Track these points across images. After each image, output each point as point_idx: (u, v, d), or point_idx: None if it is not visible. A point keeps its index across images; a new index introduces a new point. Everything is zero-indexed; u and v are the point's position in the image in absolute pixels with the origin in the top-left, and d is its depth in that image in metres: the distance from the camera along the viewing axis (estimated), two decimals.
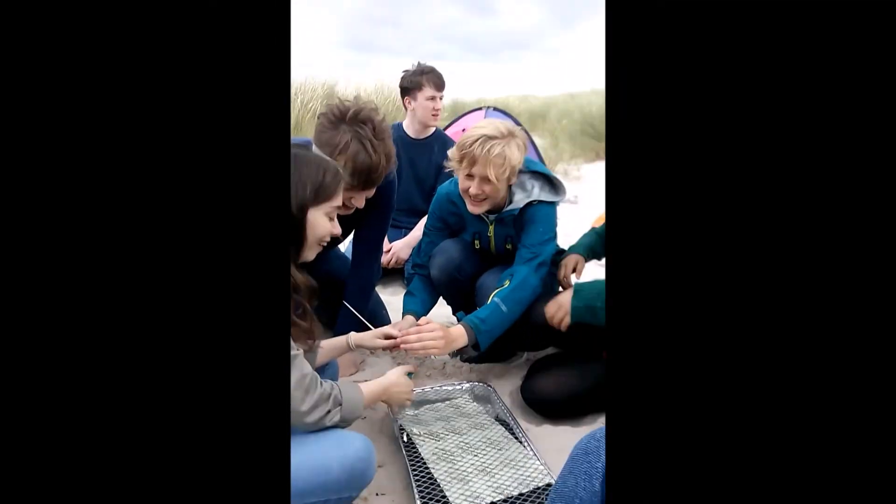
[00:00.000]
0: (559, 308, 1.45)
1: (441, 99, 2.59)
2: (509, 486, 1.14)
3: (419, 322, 1.41)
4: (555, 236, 1.62)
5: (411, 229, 2.63)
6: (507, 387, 1.63)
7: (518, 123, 3.67)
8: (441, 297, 1.81)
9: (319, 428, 1.00)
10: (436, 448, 1.28)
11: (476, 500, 1.10)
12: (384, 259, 2.43)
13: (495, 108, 3.87)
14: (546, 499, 1.08)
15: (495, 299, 1.47)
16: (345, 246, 2.22)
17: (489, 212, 1.61)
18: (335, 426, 1.03)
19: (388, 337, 1.44)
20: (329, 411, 1.01)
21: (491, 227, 1.67)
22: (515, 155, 1.46)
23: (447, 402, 1.51)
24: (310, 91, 6.25)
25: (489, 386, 1.56)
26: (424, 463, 1.23)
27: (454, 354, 1.78)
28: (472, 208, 1.56)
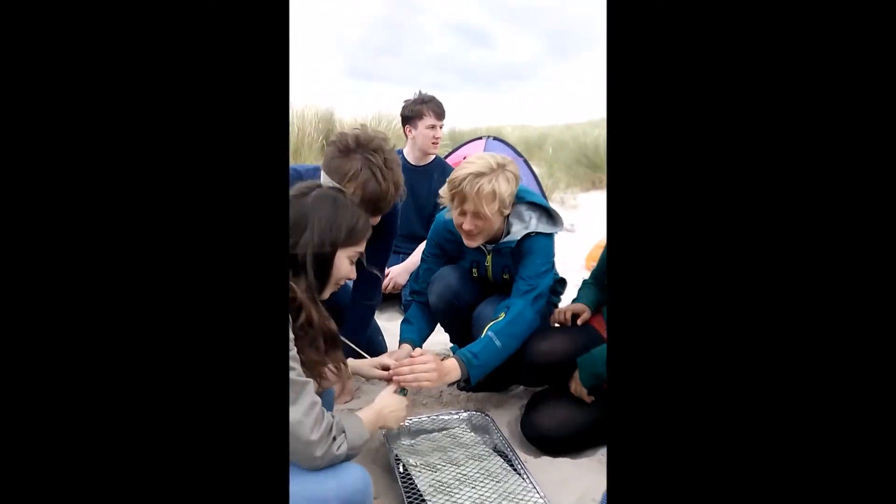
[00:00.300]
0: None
1: (441, 128, 2.63)
2: None
3: (414, 353, 1.40)
4: (552, 267, 1.62)
5: (409, 255, 2.63)
6: (505, 417, 1.61)
7: (517, 153, 3.72)
8: (439, 324, 1.80)
9: (328, 460, 0.98)
10: (433, 480, 1.25)
11: None
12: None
13: (495, 138, 3.92)
14: None
15: (489, 333, 1.46)
16: None
17: (486, 241, 1.61)
18: (344, 458, 1.00)
19: (384, 367, 1.44)
20: (335, 438, 0.99)
21: (489, 257, 1.68)
22: (505, 188, 1.47)
23: (444, 432, 1.49)
24: (308, 117, 6.31)
25: (487, 415, 1.54)
26: (421, 495, 1.20)
27: (450, 383, 1.76)
28: (468, 242, 1.58)
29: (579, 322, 1.61)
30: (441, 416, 1.56)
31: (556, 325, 1.62)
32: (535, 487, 1.21)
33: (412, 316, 1.75)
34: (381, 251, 1.74)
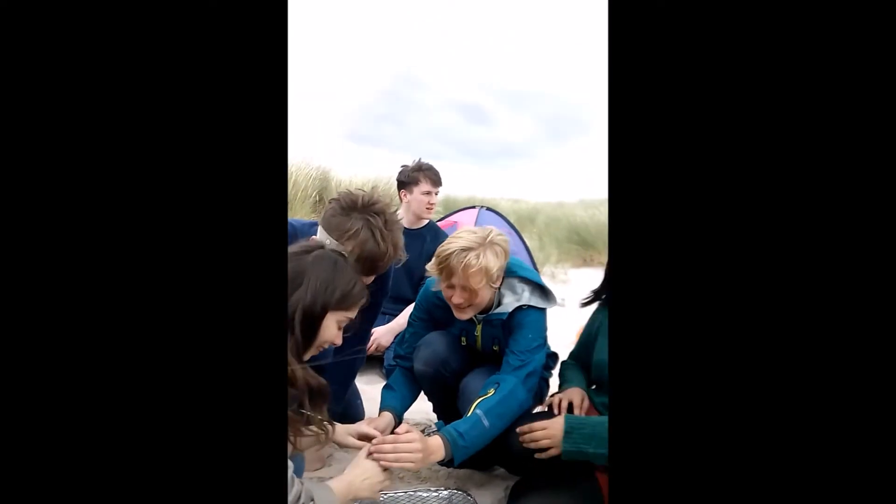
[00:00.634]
0: (547, 437, 1.35)
1: (437, 194, 2.66)
2: None
3: (398, 430, 1.31)
4: (545, 343, 1.58)
5: (395, 316, 2.57)
6: (488, 498, 1.50)
7: (510, 224, 3.74)
8: (422, 392, 1.72)
9: None
10: None
11: None
12: None
13: (488, 209, 3.94)
14: None
15: (477, 412, 1.37)
16: None
17: (477, 312, 1.57)
18: None
19: (361, 435, 1.37)
20: None
21: (478, 327, 1.63)
22: (492, 262, 1.45)
23: None
24: (304, 173, 6.36)
25: (469, 496, 1.44)
26: None
27: None
28: (459, 315, 1.54)
29: (581, 412, 1.48)
30: (419, 493, 1.45)
31: (549, 408, 1.51)
32: None
33: (395, 382, 1.67)
34: (369, 310, 1.68)
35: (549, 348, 1.64)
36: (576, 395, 1.50)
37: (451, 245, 1.46)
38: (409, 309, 1.90)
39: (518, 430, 1.40)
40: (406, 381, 1.68)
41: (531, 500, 1.33)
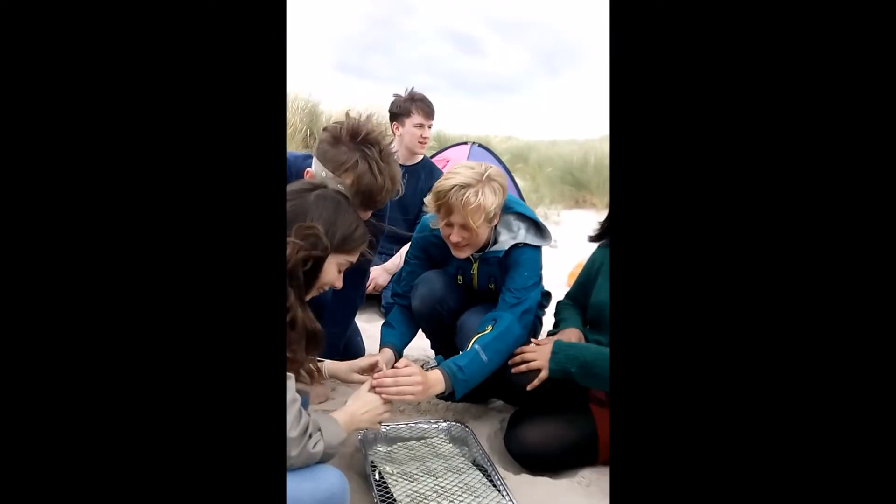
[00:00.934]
0: (535, 358, 1.42)
1: (430, 127, 2.58)
2: None
3: (398, 364, 1.34)
4: (540, 281, 1.60)
5: (391, 255, 2.58)
6: (485, 429, 1.57)
7: (501, 162, 3.70)
8: (420, 330, 1.76)
9: (304, 459, 0.94)
10: (409, 490, 1.21)
11: None
12: None
13: (480, 145, 3.89)
14: None
15: (476, 346, 1.41)
16: None
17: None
18: (320, 458, 0.98)
19: (362, 370, 1.40)
20: (311, 436, 0.96)
21: (475, 265, 1.64)
22: (491, 200, 1.44)
23: (422, 441, 1.44)
24: (293, 107, 6.20)
25: (467, 427, 1.50)
26: None
27: None
28: (456, 253, 1.55)
29: None
30: (419, 425, 1.51)
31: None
32: None
33: (394, 319, 1.70)
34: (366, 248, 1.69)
35: (543, 287, 1.66)
36: (573, 335, 1.54)
37: (448, 181, 1.43)
38: (405, 248, 1.90)
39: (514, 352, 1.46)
40: (404, 318, 1.71)
41: (528, 430, 1.40)
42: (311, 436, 0.96)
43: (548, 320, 1.77)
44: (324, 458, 1.00)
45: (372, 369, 1.39)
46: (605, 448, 1.37)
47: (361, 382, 1.31)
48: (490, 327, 1.45)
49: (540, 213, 5.93)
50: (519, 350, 1.46)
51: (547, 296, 1.76)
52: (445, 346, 1.73)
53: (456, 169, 1.48)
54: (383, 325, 1.71)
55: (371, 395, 1.23)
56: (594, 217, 5.67)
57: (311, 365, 1.12)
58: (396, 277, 1.85)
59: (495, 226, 1.56)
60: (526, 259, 1.56)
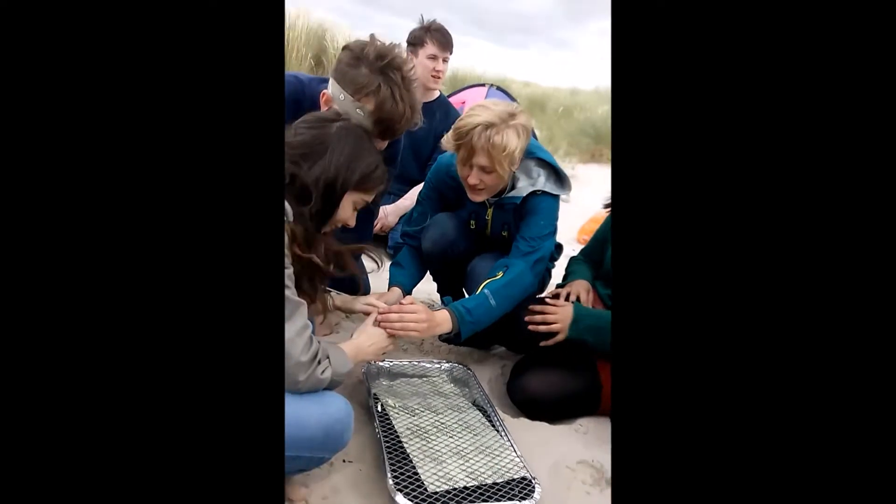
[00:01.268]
0: (557, 321, 1.40)
1: (445, 61, 2.42)
2: (483, 472, 1.11)
3: (404, 300, 1.34)
4: (555, 231, 1.57)
5: (401, 196, 2.54)
6: (486, 373, 1.60)
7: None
8: (428, 273, 1.75)
9: (312, 384, 0.97)
10: (410, 423, 1.24)
11: (449, 482, 1.07)
12: None
13: (498, 88, 3.78)
14: (520, 493, 1.06)
15: (485, 291, 1.40)
16: None
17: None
18: (327, 385, 1.00)
19: (369, 306, 1.41)
20: (320, 363, 0.98)
21: (490, 211, 1.62)
22: (514, 142, 1.37)
23: (424, 379, 1.47)
24: (299, 30, 5.94)
25: (469, 369, 1.53)
26: (398, 437, 1.19)
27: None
28: (473, 196, 1.50)
29: (587, 303, 1.52)
30: (422, 364, 1.54)
31: (556, 298, 1.53)
32: (511, 445, 1.21)
33: (403, 259, 1.69)
34: None
35: (555, 238, 1.64)
36: (582, 287, 1.54)
37: (471, 118, 1.37)
38: (417, 190, 1.86)
39: (530, 307, 1.44)
40: (413, 259, 1.69)
41: (531, 378, 1.42)
42: (319, 362, 0.97)
43: (557, 273, 1.77)
44: (331, 386, 1.02)
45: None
46: (608, 397, 1.39)
47: (368, 312, 1.32)
48: (501, 273, 1.44)
49: None
50: (540, 308, 1.44)
51: (559, 248, 1.75)
52: (453, 289, 1.74)
53: (480, 106, 1.41)
54: (392, 264, 1.70)
55: (376, 329, 1.25)
56: (609, 173, 5.57)
57: (320, 300, 1.14)
58: (407, 217, 1.82)
59: (514, 171, 1.51)
60: (543, 207, 1.52)
